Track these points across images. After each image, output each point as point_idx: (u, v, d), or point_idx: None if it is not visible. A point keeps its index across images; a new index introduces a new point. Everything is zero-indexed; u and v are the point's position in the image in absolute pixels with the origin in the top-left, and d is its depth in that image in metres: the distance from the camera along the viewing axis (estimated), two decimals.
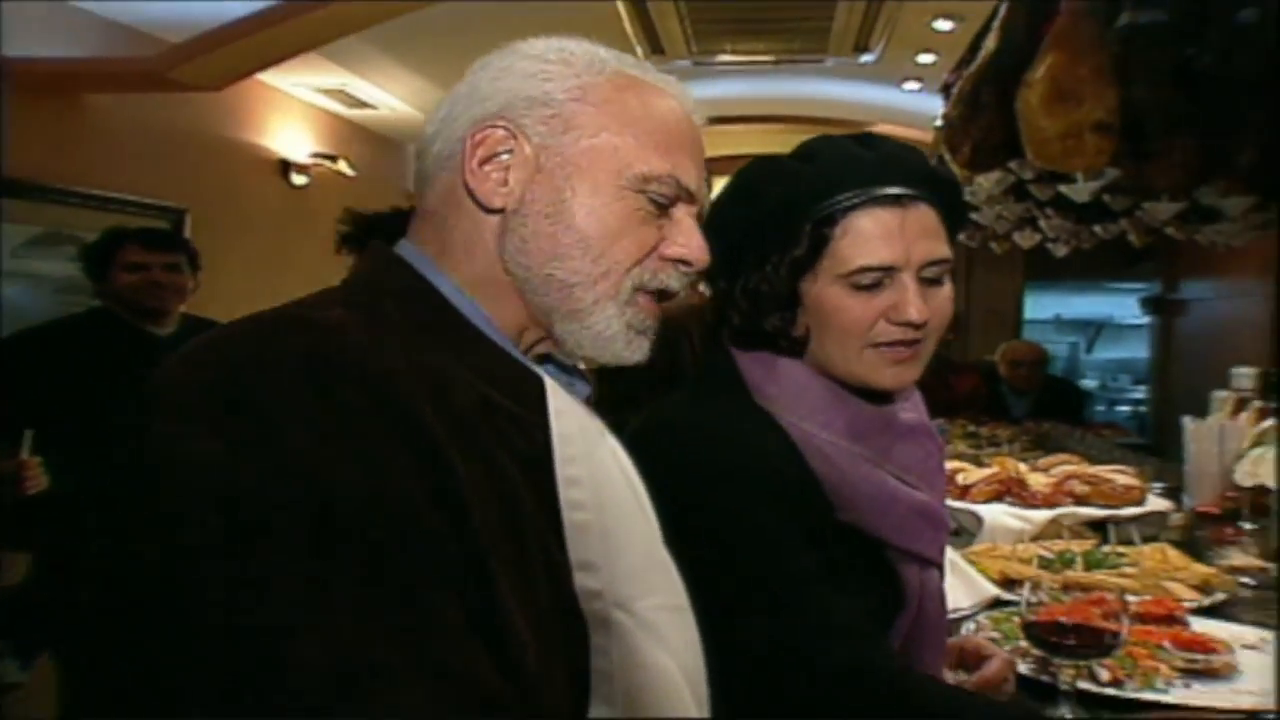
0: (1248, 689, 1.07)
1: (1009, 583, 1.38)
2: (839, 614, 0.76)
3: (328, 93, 3.94)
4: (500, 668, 0.51)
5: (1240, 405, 2.02)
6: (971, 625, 1.23)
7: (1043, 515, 1.70)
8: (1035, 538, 1.66)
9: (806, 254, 0.82)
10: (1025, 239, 2.95)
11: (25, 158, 2.48)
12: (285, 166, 3.87)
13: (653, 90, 0.66)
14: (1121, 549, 1.58)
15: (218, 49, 2.55)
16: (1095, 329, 6.73)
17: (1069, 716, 0.95)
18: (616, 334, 0.64)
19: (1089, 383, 6.11)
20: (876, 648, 0.78)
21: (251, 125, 3.69)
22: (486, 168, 0.63)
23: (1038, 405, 3.60)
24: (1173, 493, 1.98)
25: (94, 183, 2.78)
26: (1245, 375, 2.09)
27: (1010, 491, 1.78)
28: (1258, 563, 1.56)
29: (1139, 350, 5.61)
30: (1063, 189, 2.02)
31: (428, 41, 3.24)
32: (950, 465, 1.96)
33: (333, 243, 0.71)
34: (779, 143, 0.90)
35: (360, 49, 3.33)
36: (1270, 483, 1.71)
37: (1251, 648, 1.19)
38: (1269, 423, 1.89)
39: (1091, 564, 1.45)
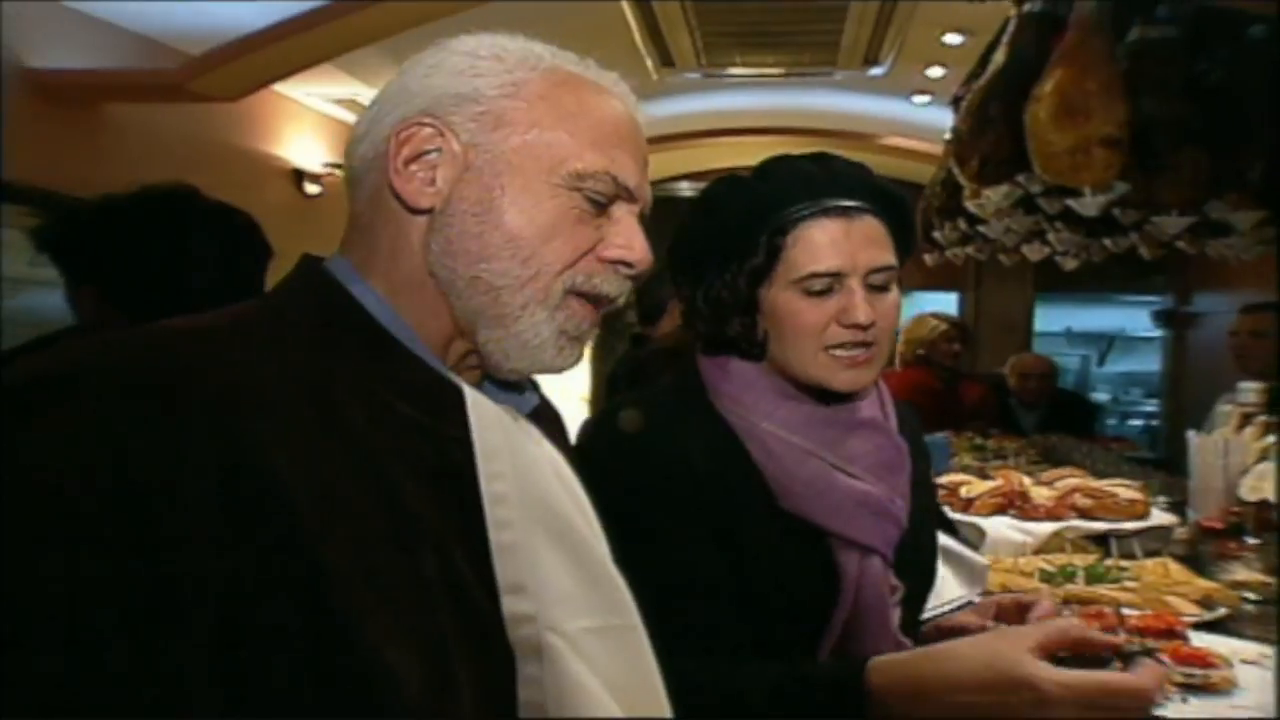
0: (1245, 704, 1.07)
1: None
2: (692, 622, 0.81)
3: (341, 103, 3.99)
4: (338, 692, 0.48)
5: (1245, 420, 2.01)
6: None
7: (1045, 528, 1.70)
8: (1038, 551, 1.66)
9: (763, 262, 0.89)
10: (1034, 252, 2.95)
11: (49, 167, 2.53)
12: (299, 176, 3.92)
13: (590, 87, 0.63)
14: (1124, 563, 1.58)
15: (234, 60, 2.60)
16: (1107, 342, 6.70)
17: None
18: (545, 341, 0.61)
19: (1101, 396, 6.08)
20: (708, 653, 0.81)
21: (266, 135, 3.74)
22: (412, 167, 0.60)
23: (1047, 418, 3.58)
24: (1178, 507, 1.97)
25: (113, 191, 2.83)
26: (1250, 390, 2.08)
27: (1013, 504, 1.78)
28: (1261, 578, 1.55)
29: (1151, 364, 5.58)
30: (1071, 203, 2.02)
31: None
32: (954, 478, 1.96)
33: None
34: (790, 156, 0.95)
35: (372, 59, 3.38)
36: (1274, 497, 1.71)
37: (1251, 663, 1.18)
38: (1273, 438, 1.88)
39: (1093, 578, 1.45)
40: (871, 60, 3.69)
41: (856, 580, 0.88)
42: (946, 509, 1.53)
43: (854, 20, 3.27)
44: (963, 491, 1.84)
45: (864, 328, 0.87)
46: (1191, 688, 1.10)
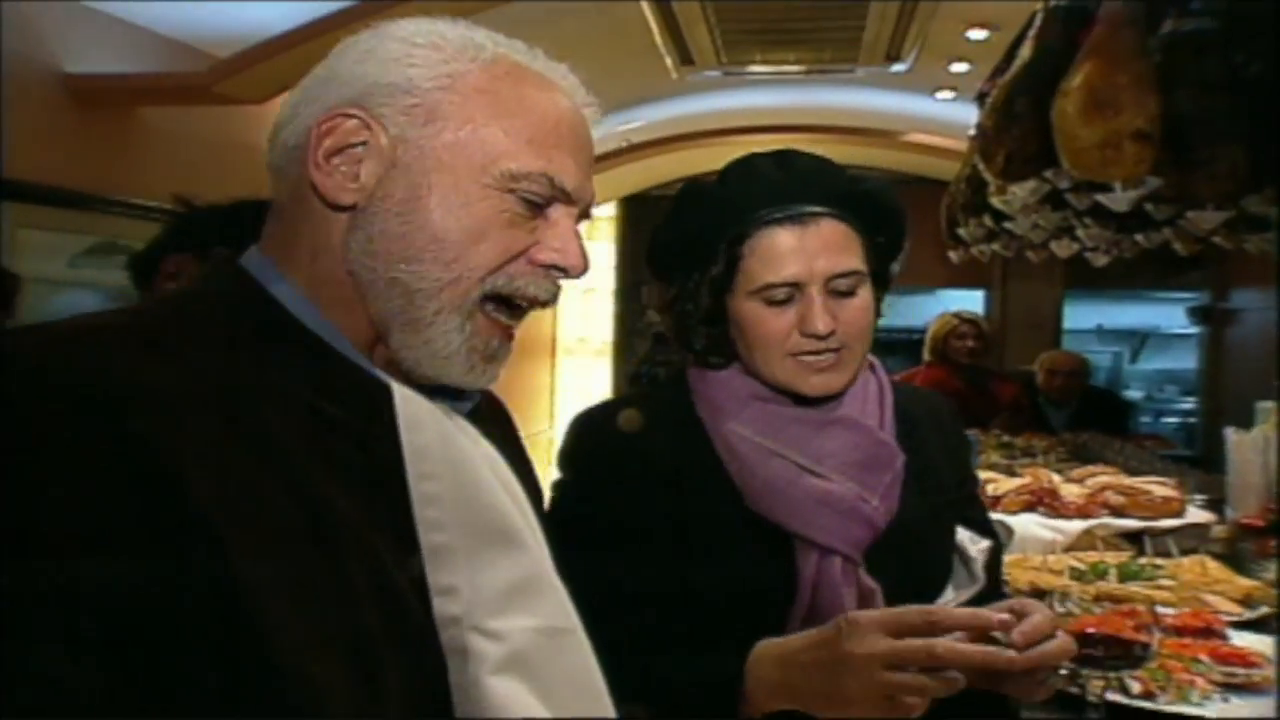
0: None
1: (1039, 593, 1.36)
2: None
3: None
4: (255, 701, 0.46)
5: None
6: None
7: (1076, 526, 1.68)
8: (1068, 549, 1.63)
9: (723, 272, 0.89)
10: (1062, 248, 2.90)
11: (83, 170, 2.59)
12: None
13: (534, 80, 0.60)
14: (1159, 561, 1.55)
15: (260, 64, 2.64)
16: (1140, 339, 6.57)
17: None
18: (454, 353, 0.57)
19: (1134, 394, 5.96)
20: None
21: None
22: (335, 160, 0.57)
23: (1078, 416, 3.53)
24: (1215, 505, 1.93)
25: (144, 193, 2.89)
26: None
27: (1042, 502, 1.76)
28: None
29: (1187, 360, 5.47)
30: (1101, 198, 1.99)
31: None
32: (982, 475, 1.94)
33: None
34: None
35: None
36: None
37: None
38: None
39: (1126, 576, 1.42)
40: (894, 56, 3.65)
41: (813, 581, 0.86)
42: None
43: (876, 16, 3.24)
44: (990, 489, 1.82)
45: (822, 337, 0.86)
46: (1232, 687, 1.07)
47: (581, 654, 0.60)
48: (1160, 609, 1.27)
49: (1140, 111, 1.63)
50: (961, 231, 3.10)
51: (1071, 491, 1.80)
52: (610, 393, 4.09)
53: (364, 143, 0.57)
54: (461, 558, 0.55)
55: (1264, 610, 1.36)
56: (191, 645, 0.45)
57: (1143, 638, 0.92)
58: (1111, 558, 1.55)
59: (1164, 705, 1.02)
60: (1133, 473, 2.07)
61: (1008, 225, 2.71)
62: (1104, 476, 1.90)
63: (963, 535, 0.96)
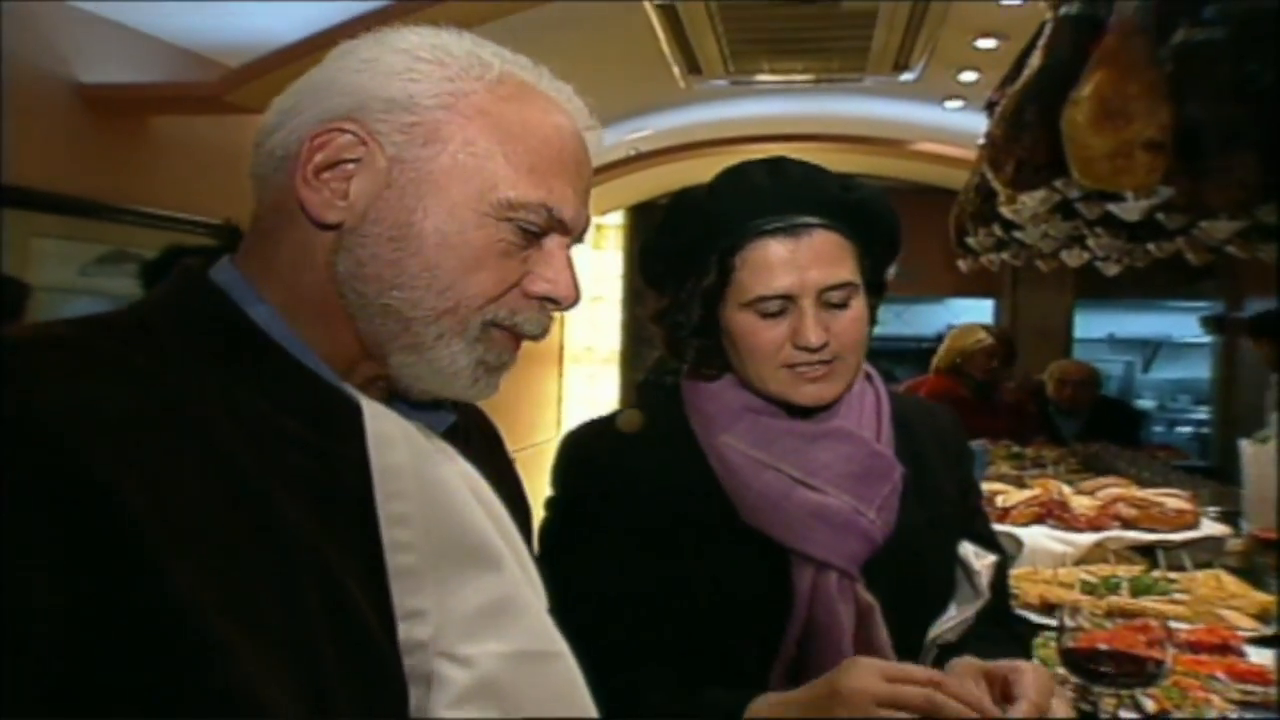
0: None
1: (1049, 607, 1.34)
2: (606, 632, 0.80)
3: None
4: None
5: None
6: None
7: (1086, 539, 1.66)
8: (1079, 562, 1.61)
9: (715, 283, 0.88)
10: (1073, 258, 2.89)
11: (95, 178, 2.61)
12: None
13: (539, 102, 0.58)
14: (1172, 575, 1.53)
15: (270, 73, 2.66)
16: (1152, 348, 6.53)
17: None
18: (461, 370, 0.56)
19: (1146, 403, 5.92)
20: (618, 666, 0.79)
21: None
22: (325, 175, 0.54)
23: (1089, 426, 3.50)
24: (1230, 517, 1.91)
25: (156, 202, 2.91)
26: None
27: (1052, 514, 1.74)
28: None
29: (1200, 370, 5.42)
30: (1112, 208, 1.97)
31: None
32: (990, 487, 1.92)
33: None
34: (820, 163, 0.92)
35: None
36: None
37: None
38: None
39: (1139, 590, 1.40)
40: (902, 65, 3.65)
41: (809, 596, 0.85)
42: None
43: (884, 25, 3.24)
44: (999, 501, 1.80)
45: (815, 349, 0.86)
46: (1249, 705, 1.05)
47: (562, 679, 0.57)
48: (1174, 624, 1.25)
49: (1152, 121, 1.61)
50: (971, 240, 3.08)
51: (1082, 503, 1.78)
52: (617, 401, 4.08)
53: (357, 159, 0.55)
54: (430, 580, 0.53)
55: None
56: (128, 667, 0.43)
57: (1156, 654, 0.91)
58: (1124, 571, 1.53)
59: None
60: (1145, 484, 2.05)
61: (1017, 234, 2.69)
62: (1116, 488, 1.87)
63: (966, 549, 0.94)
